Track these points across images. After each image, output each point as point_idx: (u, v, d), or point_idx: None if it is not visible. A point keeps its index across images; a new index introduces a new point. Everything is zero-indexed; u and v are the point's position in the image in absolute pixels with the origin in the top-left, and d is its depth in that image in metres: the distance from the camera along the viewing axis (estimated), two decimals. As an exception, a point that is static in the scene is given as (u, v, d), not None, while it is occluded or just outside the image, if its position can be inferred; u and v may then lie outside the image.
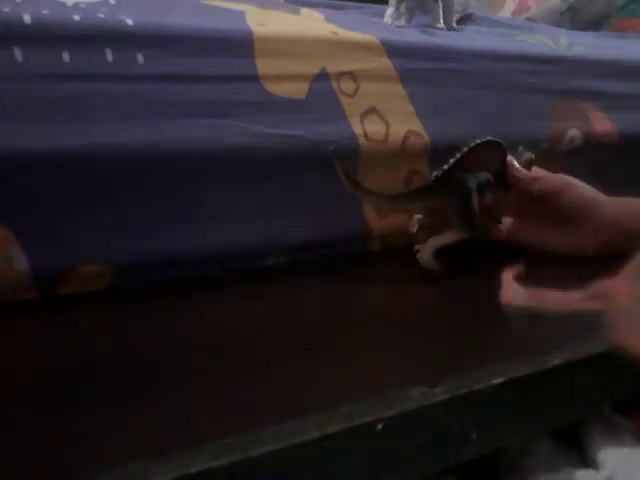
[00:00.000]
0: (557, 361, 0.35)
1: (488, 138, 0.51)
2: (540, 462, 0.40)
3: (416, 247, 0.52)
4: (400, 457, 0.31)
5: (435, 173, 0.50)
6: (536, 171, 0.55)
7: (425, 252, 0.51)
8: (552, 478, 0.39)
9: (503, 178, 0.53)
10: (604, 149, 0.65)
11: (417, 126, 0.54)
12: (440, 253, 0.51)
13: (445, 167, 0.50)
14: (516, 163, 0.53)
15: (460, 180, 0.50)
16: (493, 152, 0.52)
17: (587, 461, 0.40)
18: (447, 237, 0.51)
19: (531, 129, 0.61)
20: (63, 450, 0.27)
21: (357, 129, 0.51)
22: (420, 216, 0.53)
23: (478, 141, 0.50)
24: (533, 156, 0.54)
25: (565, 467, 0.40)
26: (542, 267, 0.54)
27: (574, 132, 0.63)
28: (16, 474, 0.26)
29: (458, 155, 0.50)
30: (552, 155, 0.62)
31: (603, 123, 0.65)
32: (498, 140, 0.51)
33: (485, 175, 0.52)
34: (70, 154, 0.41)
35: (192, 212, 0.47)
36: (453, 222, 0.51)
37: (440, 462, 0.33)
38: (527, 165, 0.54)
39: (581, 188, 0.55)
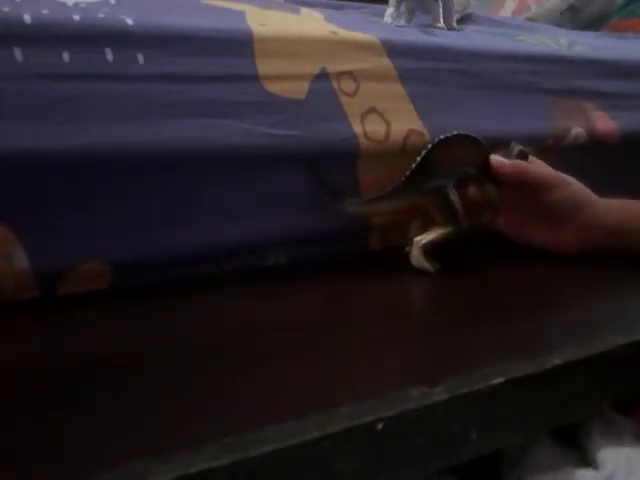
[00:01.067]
0: (557, 361, 0.35)
1: (454, 132, 0.51)
2: (540, 462, 0.40)
3: (407, 248, 0.52)
4: (400, 457, 0.31)
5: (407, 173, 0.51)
6: (537, 164, 0.55)
7: (414, 251, 0.51)
8: (552, 478, 0.39)
9: (488, 173, 0.53)
10: (606, 148, 0.65)
11: (418, 125, 0.54)
12: (434, 251, 0.51)
13: (413, 165, 0.51)
14: (500, 158, 0.53)
15: (432, 177, 0.51)
16: (468, 147, 0.52)
17: (587, 461, 0.40)
18: (432, 235, 0.51)
19: (532, 128, 0.61)
20: (63, 450, 0.27)
21: (357, 129, 0.51)
22: (418, 220, 0.53)
23: (442, 137, 0.51)
24: (526, 149, 0.54)
25: (565, 467, 0.40)
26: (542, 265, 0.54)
27: (578, 130, 0.63)
28: (16, 474, 0.26)
29: (423, 152, 0.51)
30: (554, 153, 0.61)
31: (605, 122, 0.65)
32: (467, 134, 0.52)
33: (464, 169, 0.52)
34: (70, 154, 0.41)
35: (192, 212, 0.47)
36: (436, 220, 0.51)
37: (440, 462, 0.33)
38: (520, 158, 0.54)
39: (575, 186, 0.55)
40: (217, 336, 0.40)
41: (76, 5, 0.43)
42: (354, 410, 0.30)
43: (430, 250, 0.51)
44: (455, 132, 0.51)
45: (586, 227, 0.54)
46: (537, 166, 0.55)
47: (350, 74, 0.52)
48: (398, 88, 0.54)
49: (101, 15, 0.43)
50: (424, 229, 0.52)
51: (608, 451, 0.40)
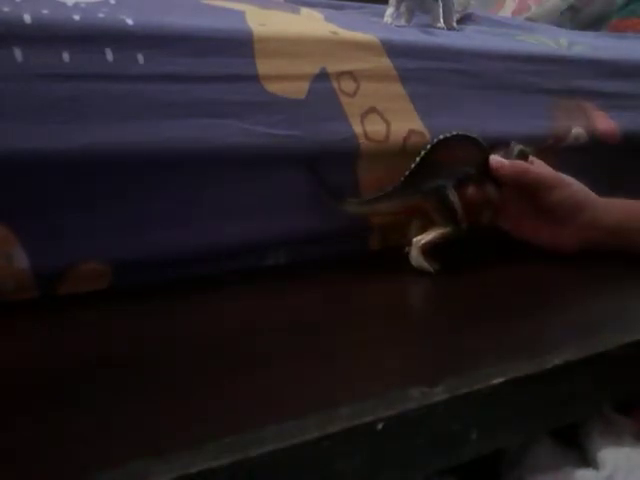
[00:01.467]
0: (557, 361, 0.35)
1: (454, 132, 0.51)
2: (540, 462, 0.40)
3: (406, 248, 0.52)
4: (400, 457, 0.31)
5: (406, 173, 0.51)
6: (537, 164, 0.55)
7: (413, 251, 0.51)
8: (552, 478, 0.39)
9: (488, 173, 0.53)
10: (606, 148, 0.65)
11: (418, 125, 0.54)
12: (434, 251, 0.51)
13: (413, 166, 0.51)
14: (499, 158, 0.53)
15: (432, 178, 0.51)
16: (468, 147, 0.52)
17: (587, 461, 0.40)
18: (431, 235, 0.51)
19: (532, 128, 0.61)
20: (63, 450, 0.27)
21: (357, 129, 0.51)
22: (418, 221, 0.53)
23: (441, 137, 0.51)
24: (527, 149, 0.55)
25: (565, 467, 0.40)
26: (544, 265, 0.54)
27: (578, 130, 0.63)
28: (16, 474, 0.26)
29: (423, 153, 0.51)
30: (554, 153, 0.62)
31: (605, 122, 0.65)
32: (467, 134, 0.52)
33: (464, 169, 0.52)
34: (70, 154, 0.41)
35: (192, 212, 0.47)
36: (436, 220, 0.51)
37: (440, 462, 0.33)
38: (520, 158, 0.54)
39: (574, 186, 0.55)
40: (217, 336, 0.40)
41: (76, 5, 0.43)
42: (354, 410, 0.30)
43: (430, 250, 0.51)
44: (455, 132, 0.51)
45: (586, 227, 0.54)
46: (537, 166, 0.55)
47: (350, 74, 0.52)
48: (398, 88, 0.54)
49: (101, 15, 0.43)
50: (424, 229, 0.52)
51: (608, 451, 0.40)
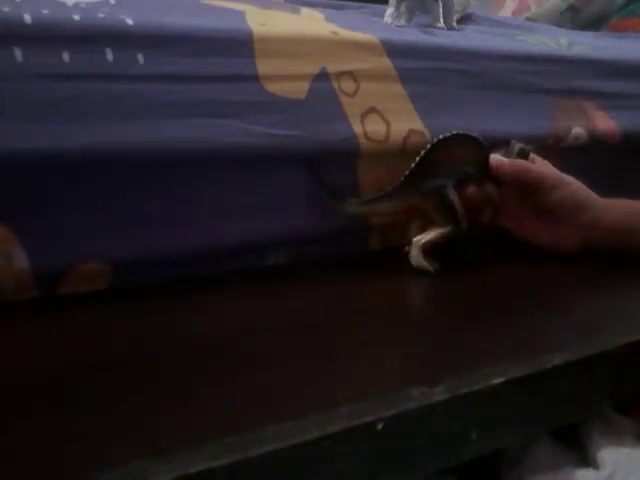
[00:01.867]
0: (557, 361, 0.35)
1: (454, 132, 0.51)
2: (540, 462, 0.40)
3: (406, 248, 0.52)
4: (400, 457, 0.31)
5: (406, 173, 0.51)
6: (538, 163, 0.55)
7: (413, 251, 0.51)
8: (552, 478, 0.39)
9: (488, 172, 0.53)
10: (606, 148, 0.65)
11: (418, 125, 0.54)
12: (434, 251, 0.51)
13: (412, 165, 0.51)
14: (499, 157, 0.53)
15: (432, 177, 0.51)
16: (468, 146, 0.52)
17: (587, 461, 0.40)
18: (431, 234, 0.51)
19: (532, 128, 0.61)
20: (63, 450, 0.27)
21: (357, 129, 0.51)
22: (418, 220, 0.53)
23: (441, 136, 0.51)
24: (527, 147, 0.55)
25: (565, 467, 0.40)
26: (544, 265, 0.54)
27: (579, 130, 0.63)
28: (16, 474, 0.26)
29: (422, 152, 0.51)
30: (554, 153, 0.61)
31: (605, 122, 0.65)
32: (467, 133, 0.52)
33: (464, 169, 0.52)
34: (70, 154, 0.41)
35: (192, 212, 0.47)
36: (436, 220, 0.52)
37: (440, 462, 0.33)
38: (521, 156, 0.54)
39: (574, 185, 0.55)
40: (217, 336, 0.40)
41: (76, 5, 0.43)
42: (354, 410, 0.30)
43: (430, 250, 0.51)
44: (454, 132, 0.51)
45: (587, 227, 0.54)
46: (537, 165, 0.55)
47: (350, 74, 0.52)
48: (398, 88, 0.54)
49: (101, 15, 0.43)
50: (424, 229, 0.52)
51: (608, 451, 0.40)
